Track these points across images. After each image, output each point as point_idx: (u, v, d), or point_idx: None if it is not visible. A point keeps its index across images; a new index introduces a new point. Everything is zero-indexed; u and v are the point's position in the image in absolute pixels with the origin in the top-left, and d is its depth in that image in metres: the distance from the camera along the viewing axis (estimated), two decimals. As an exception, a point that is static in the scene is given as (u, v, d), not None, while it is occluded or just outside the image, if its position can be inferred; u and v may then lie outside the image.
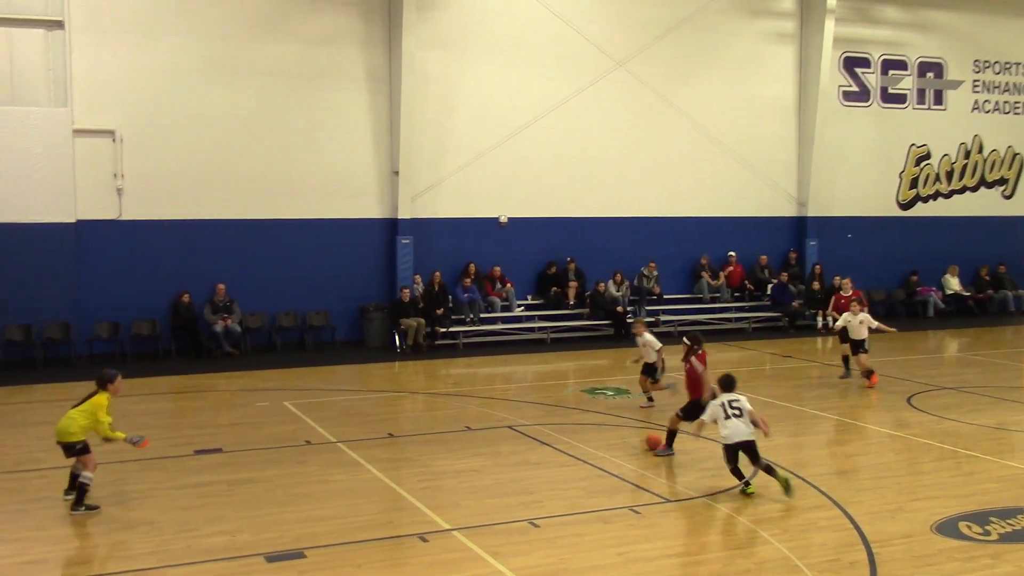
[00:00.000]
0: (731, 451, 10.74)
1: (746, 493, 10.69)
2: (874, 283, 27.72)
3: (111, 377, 10.60)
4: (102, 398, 10.44)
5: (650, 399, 15.48)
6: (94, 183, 20.23)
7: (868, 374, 17.27)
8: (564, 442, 13.17)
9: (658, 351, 15.06)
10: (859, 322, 17.33)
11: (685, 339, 12.85)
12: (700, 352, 12.59)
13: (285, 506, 10.40)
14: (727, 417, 10.77)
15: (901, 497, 10.75)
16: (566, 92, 23.97)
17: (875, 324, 17.48)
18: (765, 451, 10.96)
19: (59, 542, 9.30)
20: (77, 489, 10.27)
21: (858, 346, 17.41)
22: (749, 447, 10.73)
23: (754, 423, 10.79)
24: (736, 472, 10.78)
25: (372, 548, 9.16)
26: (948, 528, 9.68)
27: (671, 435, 12.47)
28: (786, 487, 10.49)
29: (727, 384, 11.12)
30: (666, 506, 10.42)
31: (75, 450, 10.36)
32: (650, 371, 15.32)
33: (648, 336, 15.25)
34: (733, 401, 10.88)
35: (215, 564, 8.68)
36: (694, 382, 12.26)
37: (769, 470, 10.60)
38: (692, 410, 12.00)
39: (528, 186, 23.86)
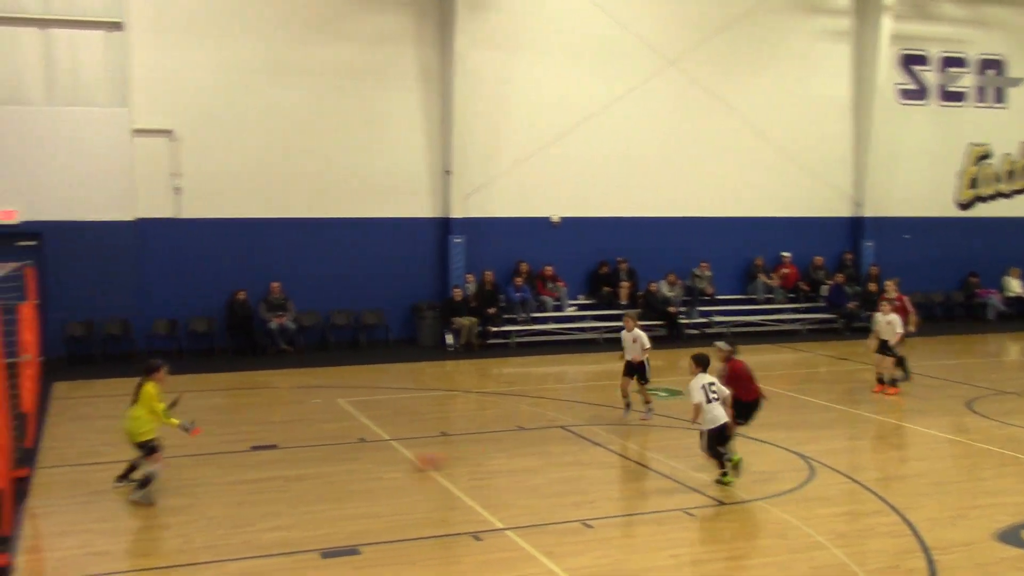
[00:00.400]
0: (714, 435, 10.83)
1: (723, 482, 10.87)
2: (932, 285, 27.25)
3: (156, 367, 10.89)
4: (150, 387, 10.71)
5: (628, 406, 14.50)
6: (153, 182, 20.58)
7: (892, 382, 16.69)
8: (617, 443, 13.13)
9: (646, 350, 14.23)
10: (887, 323, 16.79)
11: (722, 344, 12.26)
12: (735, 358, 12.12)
13: (340, 503, 10.49)
14: (708, 401, 10.86)
15: (962, 504, 10.55)
16: (618, 91, 23.87)
17: (900, 330, 16.66)
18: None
19: (121, 535, 9.48)
20: (144, 479, 10.52)
21: (883, 347, 16.84)
22: (722, 431, 10.84)
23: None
24: (718, 457, 10.89)
25: (426, 546, 9.21)
26: (1011, 536, 9.49)
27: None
28: (732, 471, 10.85)
29: (704, 363, 11.15)
30: (720, 509, 10.33)
31: (149, 447, 10.64)
32: (633, 371, 14.38)
33: (639, 332, 14.35)
34: (712, 384, 10.99)
35: (270, 559, 8.79)
36: (744, 382, 11.94)
37: (720, 458, 10.90)
38: (743, 410, 11.85)
39: (580, 185, 23.80)
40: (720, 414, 10.86)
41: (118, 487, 10.82)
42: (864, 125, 26.16)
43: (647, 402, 14.47)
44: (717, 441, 10.92)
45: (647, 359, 14.34)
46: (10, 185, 19.57)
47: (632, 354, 14.33)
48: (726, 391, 11.07)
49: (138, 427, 10.59)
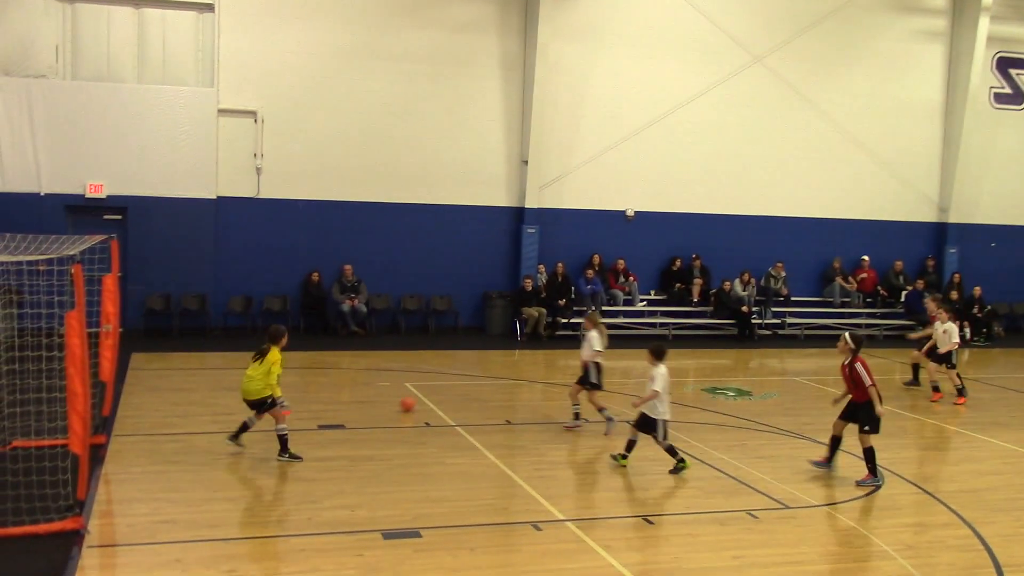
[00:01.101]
0: (667, 427, 11.16)
1: (679, 470, 11.20)
2: (1017, 295, 26.45)
3: (282, 333, 11.53)
4: (276, 354, 11.29)
5: (577, 416, 13.48)
6: (235, 161, 20.98)
7: (935, 387, 16.56)
8: (682, 440, 12.98)
9: (595, 352, 13.12)
10: (943, 331, 16.49)
11: (848, 339, 11.52)
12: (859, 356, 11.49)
13: (403, 485, 10.58)
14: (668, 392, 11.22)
15: (1037, 521, 10.23)
16: (700, 86, 23.60)
17: (955, 339, 16.41)
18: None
19: (189, 504, 9.68)
20: (279, 440, 11.28)
21: (936, 354, 16.59)
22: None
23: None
24: (671, 450, 11.22)
25: (486, 532, 9.24)
26: (1090, 557, 9.16)
27: (834, 443, 11.70)
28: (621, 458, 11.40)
29: (661, 354, 11.33)
30: (784, 512, 10.16)
31: (265, 405, 11.29)
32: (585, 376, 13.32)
33: (593, 333, 13.21)
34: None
35: (334, 537, 8.90)
36: (859, 385, 11.37)
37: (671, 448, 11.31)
38: (855, 413, 11.39)
39: (656, 180, 23.61)
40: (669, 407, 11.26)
41: (231, 443, 11.51)
42: (954, 129, 25.45)
43: (600, 409, 13.22)
44: (665, 433, 11.27)
45: (595, 363, 13.27)
46: (99, 160, 20.14)
47: (584, 355, 13.38)
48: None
49: (253, 386, 11.24)
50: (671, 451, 11.29)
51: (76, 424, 9.05)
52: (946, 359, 16.57)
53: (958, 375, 16.75)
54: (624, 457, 11.48)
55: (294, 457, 11.32)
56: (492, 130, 22.58)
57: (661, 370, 11.20)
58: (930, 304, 17.41)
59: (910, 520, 10.29)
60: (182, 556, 8.35)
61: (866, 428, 11.22)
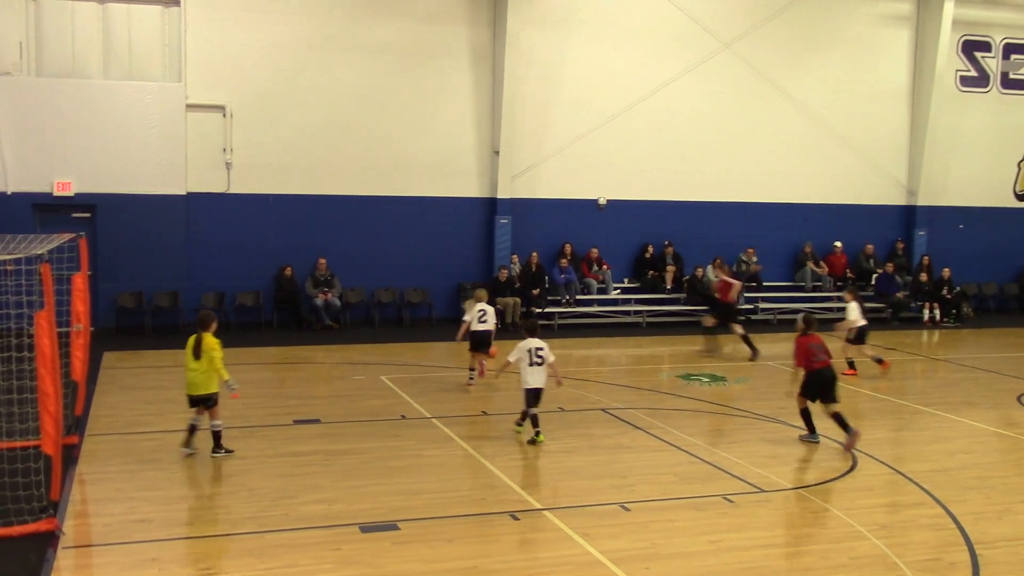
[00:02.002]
0: (530, 395, 12.06)
1: (536, 441, 11.97)
2: (986, 276, 26.81)
3: (212, 319, 11.42)
4: (210, 339, 11.16)
5: (472, 371, 15.56)
6: (204, 157, 20.83)
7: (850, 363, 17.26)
8: (658, 427, 13.08)
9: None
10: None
11: (800, 320, 12.67)
12: (811, 335, 12.34)
13: (380, 478, 10.58)
14: (531, 364, 12.04)
15: (1008, 498, 10.38)
16: (670, 74, 23.66)
17: (850, 319, 17.26)
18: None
19: (165, 503, 9.64)
20: (213, 436, 11.18)
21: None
22: (538, 394, 12.08)
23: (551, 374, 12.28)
24: (533, 418, 12.07)
25: (464, 523, 9.26)
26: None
27: (806, 416, 12.41)
28: (535, 437, 12.05)
29: (532, 329, 12.41)
30: (760, 496, 10.25)
31: (212, 401, 11.16)
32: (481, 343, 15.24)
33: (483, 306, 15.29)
34: (539, 349, 12.12)
35: (311, 531, 8.90)
36: (804, 355, 12.28)
37: (534, 419, 12.07)
38: (810, 385, 12.20)
39: (628, 168, 23.66)
40: (536, 378, 12.07)
41: (187, 452, 11.24)
42: (921, 112, 25.68)
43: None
44: (530, 403, 12.09)
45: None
46: (66, 157, 19.94)
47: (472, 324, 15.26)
48: (551, 357, 12.20)
49: (199, 379, 11.11)
50: (533, 420, 12.09)
51: (48, 425, 8.99)
52: (856, 337, 17.26)
53: (857, 350, 17.41)
54: (539, 434, 12.10)
55: (228, 451, 11.25)
56: (463, 121, 22.55)
57: (520, 344, 12.18)
58: (847, 295, 17.99)
59: (883, 500, 10.42)
60: (158, 555, 8.32)
61: (828, 399, 12.07)
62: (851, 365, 17.17)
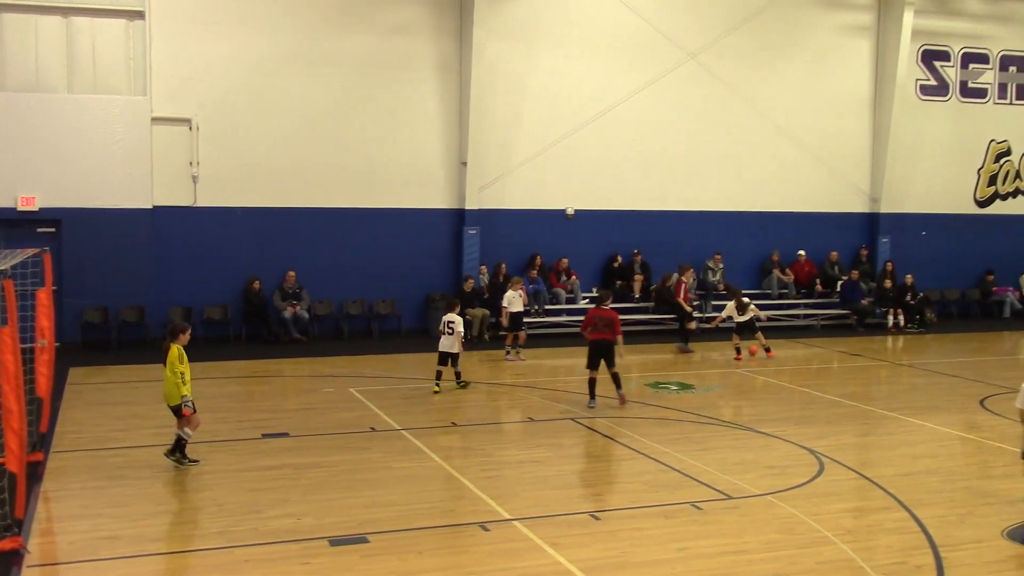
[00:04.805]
0: (441, 357, 15.74)
1: (435, 391, 15.46)
2: (948, 282, 27.16)
3: (181, 329, 11.45)
4: (174, 351, 11.19)
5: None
6: (170, 170, 20.69)
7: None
8: (626, 435, 13.15)
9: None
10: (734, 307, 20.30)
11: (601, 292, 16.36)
12: (602, 307, 15.15)
13: (349, 491, 10.56)
14: (443, 333, 15.72)
15: (972, 501, 10.53)
16: (636, 84, 23.83)
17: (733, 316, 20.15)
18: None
19: (132, 519, 9.56)
20: (175, 441, 11.21)
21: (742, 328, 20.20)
22: (450, 356, 15.77)
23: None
24: (439, 375, 15.72)
25: (434, 535, 9.26)
26: (1020, 535, 9.45)
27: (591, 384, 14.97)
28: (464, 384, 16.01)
29: (449, 306, 16.25)
30: (728, 503, 10.34)
31: (179, 412, 11.16)
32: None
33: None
34: (451, 323, 15.69)
35: (280, 546, 8.86)
36: (590, 325, 15.06)
37: (456, 377, 15.88)
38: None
39: (595, 178, 23.78)
40: (445, 344, 15.72)
41: (185, 463, 11.29)
42: (883, 121, 26.01)
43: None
44: (439, 361, 15.78)
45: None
46: (30, 172, 19.72)
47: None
48: (460, 329, 15.72)
49: (169, 388, 11.19)
50: (458, 376, 15.92)
51: (12, 442, 8.90)
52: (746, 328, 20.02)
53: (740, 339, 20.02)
54: (438, 385, 15.77)
55: (192, 461, 11.28)
56: (430, 132, 22.58)
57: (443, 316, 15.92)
58: (730, 289, 21.46)
59: (850, 505, 10.54)
60: (126, 572, 8.26)
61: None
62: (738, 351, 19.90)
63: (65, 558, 8.69)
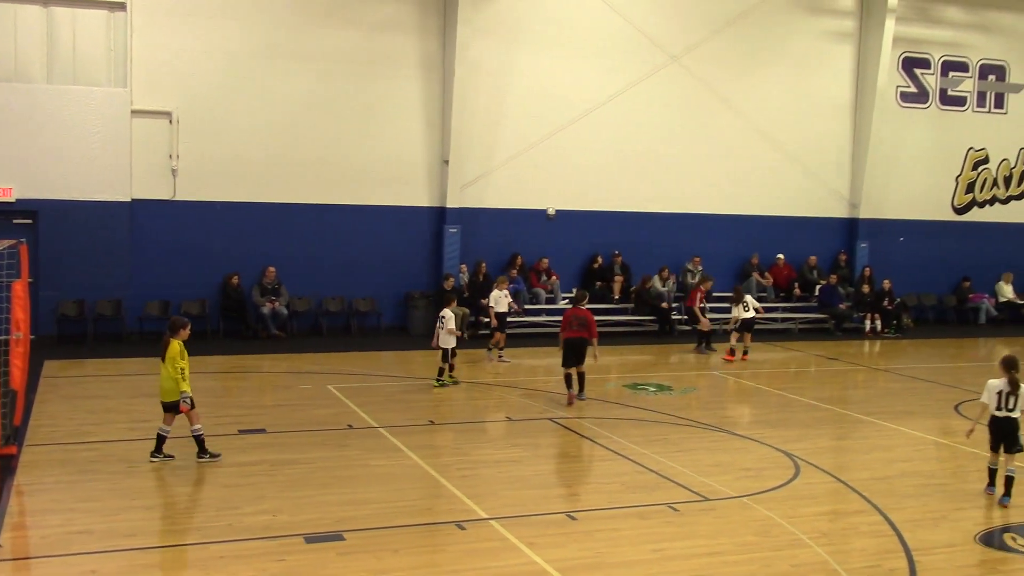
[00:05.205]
0: (442, 353, 16.08)
1: (436, 385, 15.97)
2: (926, 288, 27.37)
3: (182, 324, 11.40)
4: (175, 347, 11.15)
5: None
6: (150, 163, 20.55)
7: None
8: (604, 436, 13.17)
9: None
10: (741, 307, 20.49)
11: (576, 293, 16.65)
12: (579, 307, 15.73)
13: (326, 488, 10.52)
14: (440, 328, 16.08)
15: (945, 505, 10.60)
16: (619, 85, 23.87)
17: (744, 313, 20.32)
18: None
19: (105, 514, 9.49)
20: (195, 441, 11.28)
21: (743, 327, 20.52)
22: (444, 352, 16.02)
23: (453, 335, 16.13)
24: (449, 369, 16.17)
25: (410, 533, 9.24)
26: (992, 539, 9.55)
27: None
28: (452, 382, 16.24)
29: (447, 301, 16.82)
30: (704, 504, 10.37)
31: (178, 408, 11.14)
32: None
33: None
34: (442, 317, 16.06)
35: (255, 542, 8.81)
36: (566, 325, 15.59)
37: (449, 369, 16.12)
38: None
39: (577, 179, 23.80)
40: (443, 340, 15.95)
41: (154, 460, 11.22)
42: (863, 127, 26.18)
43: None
44: (442, 358, 16.06)
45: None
46: (7, 162, 19.53)
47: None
48: (451, 325, 15.98)
49: (167, 385, 11.15)
50: (448, 370, 16.18)
51: (-15, 435, 8.81)
52: (745, 327, 20.31)
53: (738, 339, 20.35)
54: (441, 382, 16.19)
55: (214, 456, 11.27)
56: (412, 130, 22.53)
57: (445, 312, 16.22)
58: (738, 291, 21.20)
59: (825, 508, 10.60)
60: (98, 567, 8.19)
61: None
62: (744, 352, 20.19)
63: (38, 552, 8.61)
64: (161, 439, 11.28)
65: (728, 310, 21.10)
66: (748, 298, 20.53)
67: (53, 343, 19.24)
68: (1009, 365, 10.66)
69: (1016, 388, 10.56)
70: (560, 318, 22.87)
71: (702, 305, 21.61)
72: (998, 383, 10.66)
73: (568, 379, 15.27)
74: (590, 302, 23.44)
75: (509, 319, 20.72)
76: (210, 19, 20.74)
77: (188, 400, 11.15)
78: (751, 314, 20.31)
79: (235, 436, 12.69)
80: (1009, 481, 10.68)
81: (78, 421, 13.29)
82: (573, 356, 15.17)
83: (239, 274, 21.06)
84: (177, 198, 20.81)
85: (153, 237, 20.63)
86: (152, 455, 11.26)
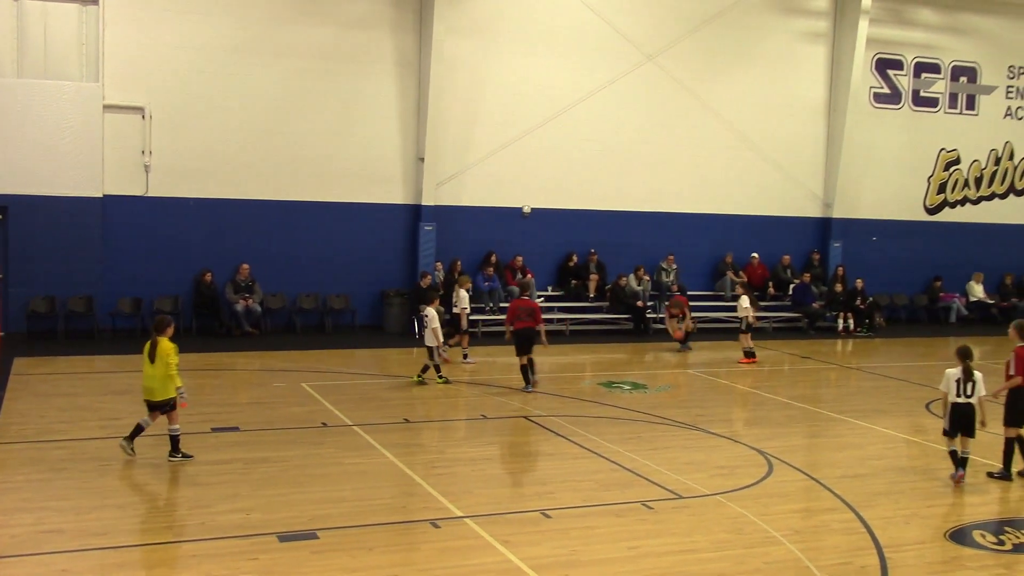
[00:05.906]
0: (428, 350, 16.11)
1: (437, 380, 16.15)
2: (897, 288, 27.61)
3: (168, 323, 11.29)
4: (166, 344, 11.06)
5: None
6: (122, 159, 20.39)
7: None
8: (579, 434, 13.19)
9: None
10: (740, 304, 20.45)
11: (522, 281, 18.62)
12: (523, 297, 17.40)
13: (300, 487, 10.47)
14: (424, 327, 16.22)
15: (916, 503, 10.69)
16: (594, 84, 23.91)
17: (744, 307, 20.23)
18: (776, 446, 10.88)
19: (77, 513, 9.40)
20: (171, 440, 11.17)
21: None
22: (429, 350, 16.13)
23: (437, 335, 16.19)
24: (437, 368, 16.17)
25: (384, 532, 9.21)
26: (962, 536, 9.64)
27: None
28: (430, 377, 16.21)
29: (427, 300, 16.87)
30: (678, 502, 10.41)
31: (168, 406, 11.08)
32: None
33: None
34: (425, 316, 16.18)
35: (228, 541, 8.76)
36: (514, 315, 16.46)
37: (437, 369, 16.19)
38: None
39: (552, 177, 23.82)
40: (427, 338, 16.06)
41: (124, 446, 11.15)
42: (837, 127, 26.37)
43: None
44: (429, 355, 16.12)
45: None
46: (-24, 157, 19.32)
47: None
48: (435, 324, 16.01)
49: (156, 384, 11.04)
50: (437, 368, 16.23)
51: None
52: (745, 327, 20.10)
53: (751, 339, 20.10)
54: (439, 377, 16.22)
55: (186, 456, 11.17)
56: (388, 127, 22.47)
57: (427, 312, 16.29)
58: (738, 288, 21.58)
59: (797, 506, 10.66)
60: (69, 566, 8.11)
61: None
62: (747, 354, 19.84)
63: (8, 552, 8.51)
64: (175, 440, 11.19)
65: (709, 308, 21.18)
66: (741, 299, 20.55)
67: (23, 340, 19.04)
68: (963, 355, 11.36)
69: (970, 375, 11.24)
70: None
71: (676, 318, 21.68)
72: (955, 371, 11.32)
73: (524, 368, 16.08)
74: (565, 299, 23.70)
75: (476, 316, 20.69)
76: (184, 14, 20.59)
77: (184, 395, 11.17)
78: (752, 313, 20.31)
79: (208, 434, 12.60)
80: (964, 462, 11.37)
81: (49, 419, 13.16)
82: (526, 345, 16.17)
83: (212, 271, 20.92)
84: (150, 194, 20.65)
85: (125, 233, 20.47)
86: (170, 455, 11.16)
